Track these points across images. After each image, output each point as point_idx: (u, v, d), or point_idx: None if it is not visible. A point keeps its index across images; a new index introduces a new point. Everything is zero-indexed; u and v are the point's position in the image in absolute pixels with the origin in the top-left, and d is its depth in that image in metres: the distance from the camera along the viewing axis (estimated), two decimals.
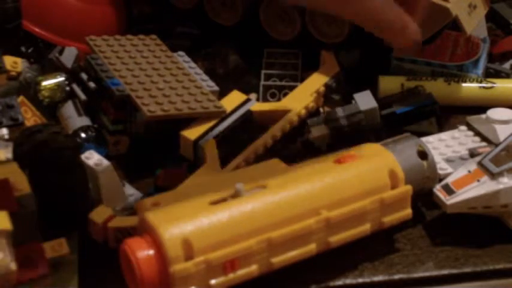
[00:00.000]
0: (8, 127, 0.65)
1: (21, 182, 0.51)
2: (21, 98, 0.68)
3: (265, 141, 0.64)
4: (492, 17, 0.82)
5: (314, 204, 0.53)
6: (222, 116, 0.66)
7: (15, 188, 0.51)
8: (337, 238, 0.54)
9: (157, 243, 0.49)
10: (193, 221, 0.50)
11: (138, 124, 0.66)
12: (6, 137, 0.65)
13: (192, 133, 0.64)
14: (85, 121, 0.66)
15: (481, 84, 0.74)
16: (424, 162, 0.58)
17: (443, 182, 0.58)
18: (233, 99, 0.68)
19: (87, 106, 0.66)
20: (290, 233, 0.51)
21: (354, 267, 0.56)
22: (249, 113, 0.66)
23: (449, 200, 0.57)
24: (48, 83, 0.67)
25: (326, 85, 0.69)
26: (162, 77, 0.69)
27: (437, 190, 0.58)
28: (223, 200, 0.52)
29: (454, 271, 0.56)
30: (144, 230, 0.51)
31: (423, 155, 0.58)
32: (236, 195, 0.52)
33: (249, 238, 0.50)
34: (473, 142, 0.65)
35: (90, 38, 0.72)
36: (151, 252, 0.49)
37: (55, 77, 0.68)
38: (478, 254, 0.57)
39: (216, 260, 0.49)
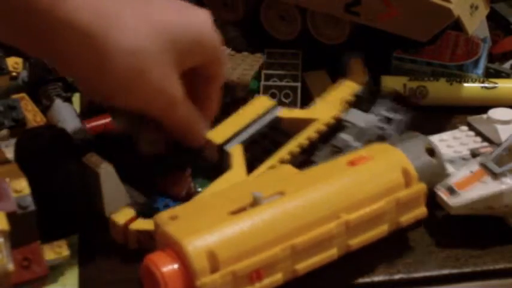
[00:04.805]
0: (10, 128, 0.65)
1: (21, 183, 0.51)
2: (22, 95, 0.68)
3: (292, 149, 0.62)
4: (492, 17, 0.82)
5: (333, 208, 0.52)
6: None
7: (15, 189, 0.50)
8: (357, 241, 0.53)
9: (181, 256, 0.48)
10: (215, 232, 0.49)
11: None
12: (7, 138, 0.65)
13: (217, 136, 0.62)
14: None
15: (483, 85, 0.74)
16: (433, 160, 0.58)
17: (445, 183, 0.58)
18: (258, 103, 0.66)
19: None
20: (313, 238, 0.51)
21: (354, 267, 0.56)
22: (278, 119, 0.65)
23: (453, 201, 0.56)
24: None
25: (355, 95, 0.68)
26: None
27: (440, 191, 0.57)
28: (243, 209, 0.51)
29: (455, 271, 0.56)
30: (165, 244, 0.49)
31: (431, 152, 0.58)
32: (255, 203, 0.52)
33: (272, 246, 0.49)
34: (475, 142, 0.65)
35: None
36: (176, 266, 0.48)
37: None
38: (478, 254, 0.57)
39: (242, 271, 0.48)
